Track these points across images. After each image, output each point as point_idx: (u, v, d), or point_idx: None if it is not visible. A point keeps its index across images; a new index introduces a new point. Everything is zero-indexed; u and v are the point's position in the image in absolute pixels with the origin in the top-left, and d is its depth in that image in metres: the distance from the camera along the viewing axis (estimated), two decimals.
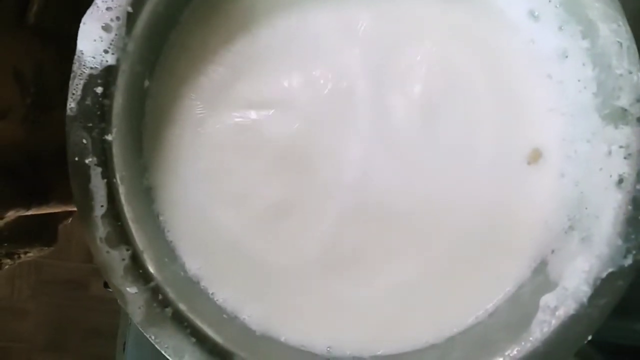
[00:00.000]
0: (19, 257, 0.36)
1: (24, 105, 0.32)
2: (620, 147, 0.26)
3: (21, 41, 0.33)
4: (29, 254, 0.37)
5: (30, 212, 0.33)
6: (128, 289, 0.26)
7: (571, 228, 0.28)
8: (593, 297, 0.26)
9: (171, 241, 0.30)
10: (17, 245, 0.36)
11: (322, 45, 0.31)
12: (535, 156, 0.30)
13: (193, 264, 0.30)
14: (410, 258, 0.31)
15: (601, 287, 0.26)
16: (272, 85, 0.31)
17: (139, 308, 0.26)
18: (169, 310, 0.26)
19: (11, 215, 0.32)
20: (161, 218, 0.30)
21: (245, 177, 0.31)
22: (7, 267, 0.36)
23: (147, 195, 0.30)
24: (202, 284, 0.30)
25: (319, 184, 0.31)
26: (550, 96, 0.30)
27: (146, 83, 0.29)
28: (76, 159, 0.25)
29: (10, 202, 0.32)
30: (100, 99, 0.25)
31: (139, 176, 0.29)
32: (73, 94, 0.25)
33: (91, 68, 0.25)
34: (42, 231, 0.37)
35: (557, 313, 0.27)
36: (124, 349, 0.39)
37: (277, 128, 0.31)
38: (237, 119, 0.31)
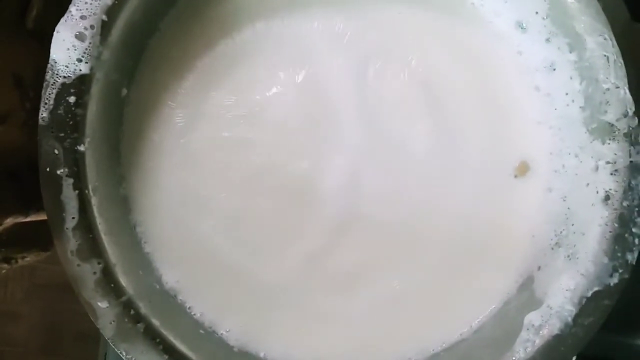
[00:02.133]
0: (16, 262, 0.36)
1: (23, 110, 0.32)
2: (607, 162, 0.26)
3: (21, 46, 0.33)
4: (26, 259, 0.37)
5: (28, 219, 0.33)
6: (99, 303, 0.25)
7: (558, 244, 0.28)
8: (578, 317, 0.25)
9: (148, 252, 0.29)
10: (15, 250, 0.35)
11: (306, 52, 0.30)
12: (523, 169, 0.30)
13: (171, 277, 0.30)
14: (395, 273, 0.30)
15: (586, 306, 0.25)
16: (254, 92, 0.30)
17: (110, 323, 0.25)
18: (141, 326, 0.26)
19: (9, 222, 0.32)
20: (138, 229, 0.29)
21: (227, 187, 0.30)
22: (4, 271, 0.36)
23: (123, 206, 0.29)
24: (179, 297, 0.29)
25: (302, 196, 0.30)
26: (538, 109, 0.29)
27: (124, 91, 0.29)
28: (48, 169, 0.25)
29: (10, 208, 0.31)
30: (73, 108, 0.25)
31: (115, 186, 0.29)
32: (45, 103, 0.24)
33: (64, 77, 0.24)
34: (39, 236, 0.36)
35: (541, 332, 0.26)
36: (105, 359, 0.39)
37: (258, 136, 0.30)
38: (217, 127, 0.30)
